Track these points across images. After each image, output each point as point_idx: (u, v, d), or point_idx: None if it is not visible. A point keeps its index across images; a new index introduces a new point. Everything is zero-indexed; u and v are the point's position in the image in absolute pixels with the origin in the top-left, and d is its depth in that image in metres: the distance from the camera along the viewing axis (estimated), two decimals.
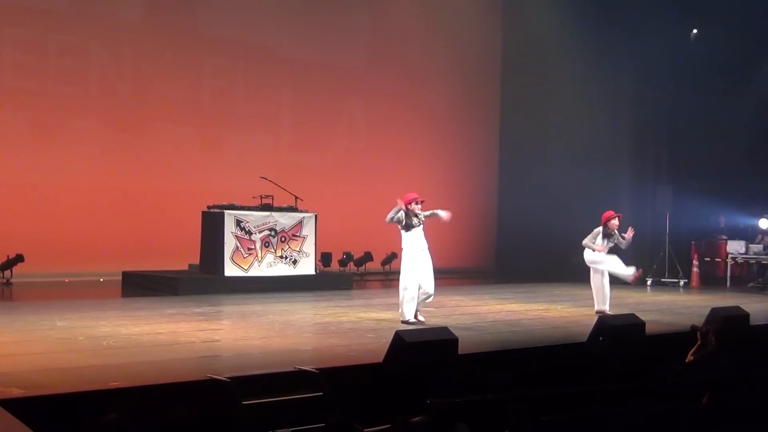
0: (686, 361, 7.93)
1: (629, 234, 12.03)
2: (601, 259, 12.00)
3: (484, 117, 21.02)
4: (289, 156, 17.71)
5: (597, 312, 11.75)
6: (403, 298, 10.49)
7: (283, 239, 14.56)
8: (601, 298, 12.04)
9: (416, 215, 10.61)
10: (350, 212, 18.17)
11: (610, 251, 12.14)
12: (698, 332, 8.04)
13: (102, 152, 15.98)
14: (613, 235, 12.02)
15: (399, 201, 10.58)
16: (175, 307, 11.70)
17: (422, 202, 10.66)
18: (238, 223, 14.13)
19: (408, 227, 10.54)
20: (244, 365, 7.57)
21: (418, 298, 10.54)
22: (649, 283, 17.65)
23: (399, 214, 10.51)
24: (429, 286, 10.56)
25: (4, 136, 15.13)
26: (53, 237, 15.26)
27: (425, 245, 10.65)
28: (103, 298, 13.00)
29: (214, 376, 6.82)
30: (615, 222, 12.02)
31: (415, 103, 19.91)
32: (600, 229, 11.99)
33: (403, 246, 10.63)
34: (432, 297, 10.69)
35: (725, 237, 18.79)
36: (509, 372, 8.10)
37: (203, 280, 14.12)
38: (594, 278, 12.11)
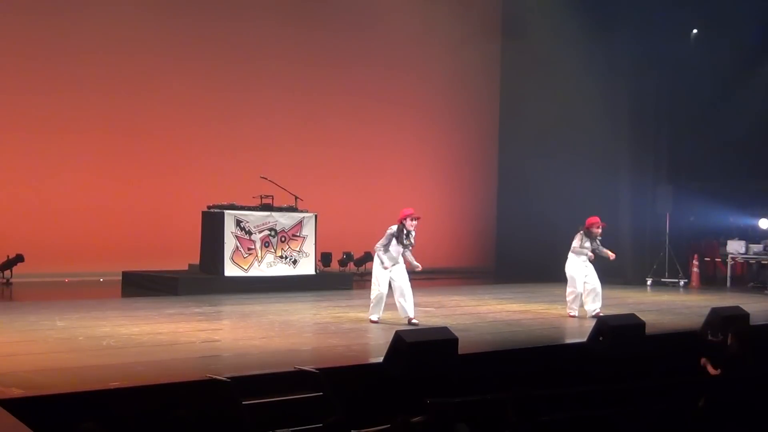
0: (711, 374, 7.73)
1: (610, 255, 11.85)
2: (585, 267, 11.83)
3: (483, 116, 21.01)
4: (289, 156, 17.69)
5: (591, 315, 11.42)
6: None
7: (283, 239, 14.56)
8: (592, 298, 11.79)
9: (408, 235, 10.33)
10: (350, 212, 18.16)
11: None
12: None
13: (102, 152, 15.96)
14: (594, 241, 11.82)
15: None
16: (175, 307, 11.70)
17: (418, 218, 10.39)
18: (238, 223, 14.12)
19: (400, 244, 10.30)
20: (244, 365, 7.57)
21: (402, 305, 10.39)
22: (649, 283, 17.64)
23: (391, 238, 10.25)
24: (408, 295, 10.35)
25: (3, 137, 15.12)
26: (53, 237, 15.26)
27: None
28: (103, 298, 12.98)
29: (214, 376, 6.82)
30: (599, 231, 11.84)
31: (416, 104, 19.90)
32: (581, 233, 11.80)
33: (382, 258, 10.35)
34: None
35: (722, 238, 18.76)
36: (509, 372, 8.09)
37: (203, 280, 14.11)
38: (577, 283, 11.79)
